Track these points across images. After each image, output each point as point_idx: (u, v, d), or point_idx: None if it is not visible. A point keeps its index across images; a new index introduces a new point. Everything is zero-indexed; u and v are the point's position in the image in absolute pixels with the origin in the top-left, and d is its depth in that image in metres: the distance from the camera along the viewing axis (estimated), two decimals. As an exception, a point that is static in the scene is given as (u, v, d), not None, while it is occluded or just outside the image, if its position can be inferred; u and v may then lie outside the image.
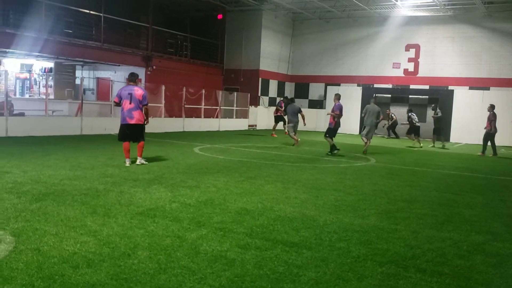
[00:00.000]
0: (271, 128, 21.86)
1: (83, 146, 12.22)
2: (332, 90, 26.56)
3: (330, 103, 25.93)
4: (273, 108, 26.10)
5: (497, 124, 15.87)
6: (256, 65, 26.07)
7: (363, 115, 15.21)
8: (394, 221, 5.67)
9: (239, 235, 4.71)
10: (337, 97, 13.64)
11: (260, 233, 4.83)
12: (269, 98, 27.21)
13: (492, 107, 16.26)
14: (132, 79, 9.32)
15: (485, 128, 16.35)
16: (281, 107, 20.89)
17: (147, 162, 9.46)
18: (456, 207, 6.74)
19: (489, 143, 16.16)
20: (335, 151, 13.36)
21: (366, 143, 14.51)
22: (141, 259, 3.87)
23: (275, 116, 21.36)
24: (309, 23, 27.89)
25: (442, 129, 19.43)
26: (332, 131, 13.55)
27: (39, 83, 23.06)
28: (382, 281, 3.69)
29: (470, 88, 23.77)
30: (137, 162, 9.28)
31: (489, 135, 16.09)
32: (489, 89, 23.29)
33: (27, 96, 22.39)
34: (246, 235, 4.74)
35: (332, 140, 13.49)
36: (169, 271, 3.65)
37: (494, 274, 4.00)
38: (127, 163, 9.14)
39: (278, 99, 26.08)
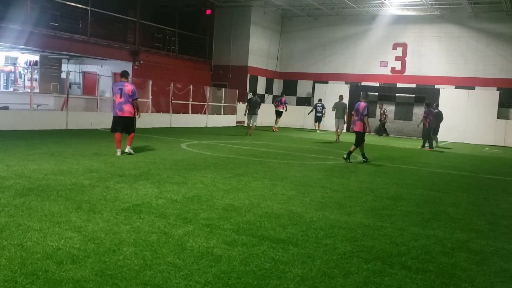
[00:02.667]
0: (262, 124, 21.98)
1: (69, 141, 12.07)
2: (320, 88, 26.73)
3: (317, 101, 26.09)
4: (263, 105, 26.16)
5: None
6: (244, 62, 26.01)
7: (333, 110, 18.62)
8: (380, 219, 5.72)
9: (226, 232, 4.70)
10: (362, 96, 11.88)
11: (247, 230, 4.83)
12: (258, 94, 27.19)
13: (427, 105, 17.68)
14: (124, 75, 10.17)
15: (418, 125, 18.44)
16: (282, 102, 22.94)
17: (133, 153, 10.10)
18: (441, 205, 6.82)
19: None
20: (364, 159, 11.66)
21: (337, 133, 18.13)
22: (126, 255, 3.84)
23: (276, 111, 22.89)
24: (298, 20, 27.90)
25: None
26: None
27: (24, 77, 22.74)
28: (367, 278, 3.71)
29: (456, 87, 24.05)
30: (126, 150, 10.00)
31: (427, 130, 17.37)
32: (474, 89, 23.60)
33: (11, 89, 22.05)
34: (233, 231, 4.73)
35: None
36: (155, 267, 3.62)
37: (478, 271, 4.05)
38: (118, 153, 9.80)
39: (265, 95, 26.41)
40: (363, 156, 11.58)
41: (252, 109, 18.05)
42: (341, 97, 18.66)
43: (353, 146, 11.42)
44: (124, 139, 10.06)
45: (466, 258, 4.40)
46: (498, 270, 4.13)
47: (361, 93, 12.23)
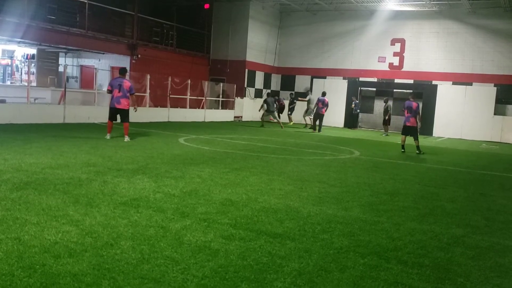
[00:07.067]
0: (260, 119, 22.04)
1: (66, 135, 12.05)
2: (318, 83, 26.71)
3: (316, 96, 26.16)
4: (260, 100, 26.24)
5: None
6: (242, 56, 25.95)
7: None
8: (377, 214, 5.74)
9: (223, 226, 4.71)
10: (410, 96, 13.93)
11: (244, 224, 4.84)
12: (255, 89, 27.16)
13: (322, 94, 20.54)
14: (122, 72, 11.78)
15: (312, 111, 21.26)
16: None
17: (130, 140, 11.46)
18: (438, 200, 6.85)
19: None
20: (417, 152, 13.43)
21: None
22: (124, 249, 3.85)
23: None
24: (296, 15, 27.83)
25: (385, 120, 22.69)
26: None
27: (21, 70, 22.65)
28: (364, 272, 3.73)
29: (454, 83, 24.06)
30: (125, 140, 11.37)
31: (318, 115, 20.14)
32: (471, 85, 23.62)
33: (8, 83, 21.96)
34: (230, 226, 4.75)
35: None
36: (152, 261, 3.63)
37: (473, 266, 4.08)
38: (107, 137, 11.58)
39: (267, 93, 26.51)
40: (418, 148, 13.41)
41: (270, 108, 20.97)
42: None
43: (416, 141, 13.39)
44: (119, 130, 11.92)
45: (461, 253, 4.43)
46: (493, 265, 4.16)
47: (411, 92, 14.70)
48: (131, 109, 11.76)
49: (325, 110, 20.22)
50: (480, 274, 3.91)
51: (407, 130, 13.37)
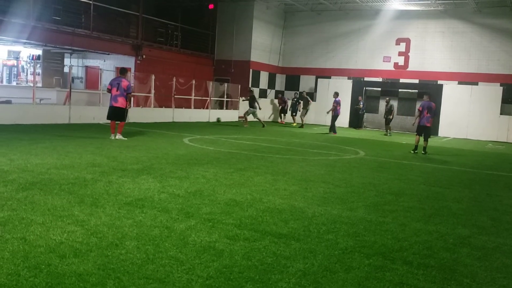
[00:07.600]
0: (263, 120, 22.04)
1: (71, 135, 12.09)
2: (322, 83, 26.68)
3: (320, 96, 26.15)
4: (264, 100, 26.17)
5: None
6: (247, 56, 25.96)
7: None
8: (382, 214, 5.72)
9: (228, 226, 4.71)
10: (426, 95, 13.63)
11: (249, 224, 4.84)
12: (260, 89, 27.15)
13: (336, 95, 20.10)
14: (123, 72, 12.11)
15: (327, 112, 20.98)
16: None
17: (125, 139, 11.73)
18: (443, 201, 6.81)
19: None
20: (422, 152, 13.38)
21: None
22: (129, 249, 3.85)
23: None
24: (300, 15, 27.80)
25: (390, 119, 22.24)
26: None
27: (27, 71, 22.76)
28: (369, 273, 3.72)
29: (459, 83, 23.95)
30: (116, 137, 11.70)
31: (334, 117, 19.84)
32: (477, 84, 23.50)
33: (14, 83, 22.08)
34: (235, 226, 4.74)
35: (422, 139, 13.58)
36: (157, 262, 3.63)
37: (479, 267, 4.05)
38: (112, 137, 11.76)
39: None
40: (425, 148, 13.40)
41: (254, 104, 20.69)
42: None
43: (425, 142, 13.33)
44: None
45: (468, 253, 4.40)
46: (499, 265, 4.13)
47: (427, 92, 14.27)
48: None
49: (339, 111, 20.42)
50: (486, 275, 3.89)
51: (423, 130, 13.29)
